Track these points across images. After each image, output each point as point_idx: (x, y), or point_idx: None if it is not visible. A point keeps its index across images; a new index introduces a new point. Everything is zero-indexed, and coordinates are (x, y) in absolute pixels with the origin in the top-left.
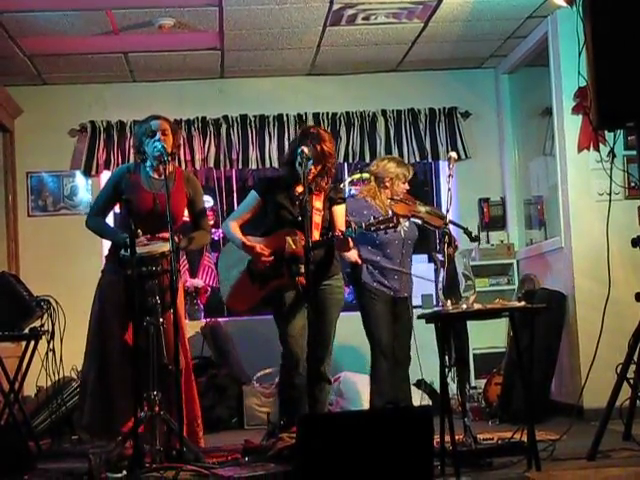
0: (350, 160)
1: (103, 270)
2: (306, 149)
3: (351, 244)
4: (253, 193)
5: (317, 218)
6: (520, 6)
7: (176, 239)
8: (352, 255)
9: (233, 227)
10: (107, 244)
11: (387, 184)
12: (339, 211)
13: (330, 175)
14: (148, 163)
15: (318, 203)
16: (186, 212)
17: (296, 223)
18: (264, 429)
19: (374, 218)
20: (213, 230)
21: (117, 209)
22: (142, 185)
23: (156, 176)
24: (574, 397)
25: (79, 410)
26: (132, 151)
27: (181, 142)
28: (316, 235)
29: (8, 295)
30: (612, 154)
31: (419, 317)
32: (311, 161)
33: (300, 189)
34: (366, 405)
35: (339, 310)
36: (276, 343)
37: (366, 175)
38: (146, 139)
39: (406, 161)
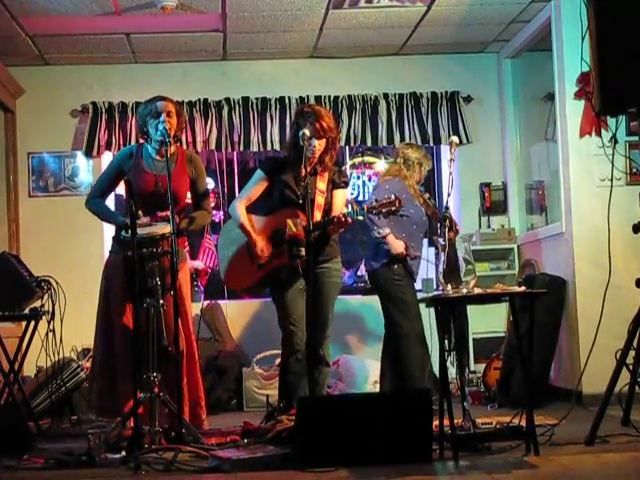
0: (352, 143)
1: (110, 250)
2: (307, 131)
3: (349, 220)
4: (259, 172)
5: (320, 199)
6: None
7: (177, 219)
8: (398, 246)
9: (240, 210)
10: (108, 225)
11: (416, 168)
12: (339, 195)
13: (335, 149)
14: (151, 144)
15: (322, 185)
16: (189, 194)
17: (299, 203)
18: (263, 411)
19: (376, 201)
20: (214, 212)
21: (119, 191)
22: (144, 167)
23: (158, 158)
24: (573, 382)
25: (89, 389)
26: (134, 132)
27: (185, 125)
28: (318, 216)
29: (9, 275)
30: (614, 140)
31: (419, 301)
32: (313, 139)
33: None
34: (363, 388)
35: (337, 293)
36: (276, 325)
37: (388, 160)
38: (150, 119)
39: None
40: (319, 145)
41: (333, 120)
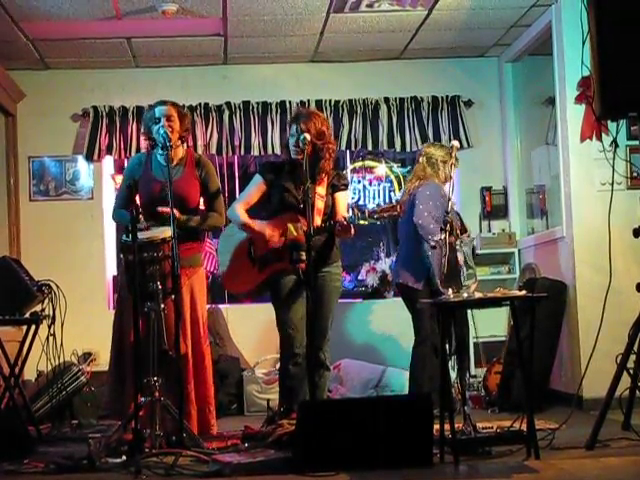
0: (352, 148)
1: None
2: (308, 136)
3: (352, 231)
4: (257, 176)
5: (319, 204)
6: None
7: (177, 213)
8: None
9: (239, 211)
10: (109, 229)
11: (440, 166)
12: (341, 197)
13: (330, 154)
14: (158, 150)
15: (321, 189)
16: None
17: (299, 208)
18: (264, 415)
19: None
20: None
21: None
22: (152, 174)
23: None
24: (574, 386)
25: (106, 391)
26: (135, 136)
27: (190, 126)
28: (318, 221)
29: (9, 279)
30: (615, 144)
31: (420, 305)
32: (302, 135)
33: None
34: (364, 392)
35: (337, 297)
36: (276, 329)
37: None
38: (152, 125)
39: (408, 149)
40: (296, 142)
41: (326, 125)
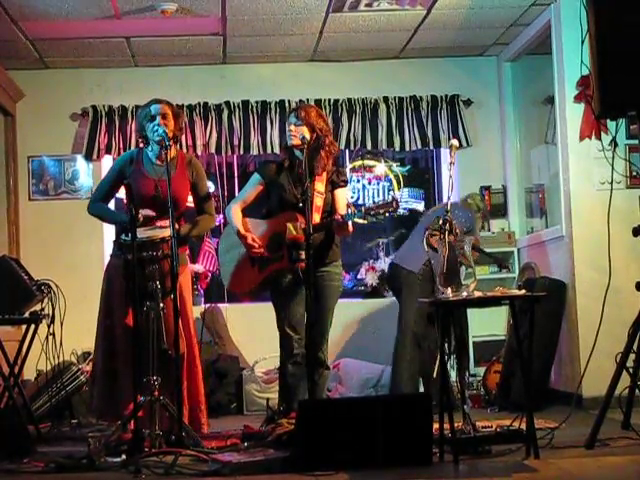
0: (351, 147)
1: (111, 254)
2: (307, 135)
3: (350, 228)
4: (256, 175)
5: (318, 201)
6: None
7: (176, 226)
8: None
9: (234, 211)
10: (108, 229)
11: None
12: (340, 194)
13: (329, 149)
14: (151, 148)
15: (320, 186)
16: (190, 198)
17: (297, 206)
18: (263, 415)
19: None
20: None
21: (119, 195)
22: (144, 171)
23: (158, 162)
24: (573, 385)
25: (89, 392)
26: (134, 136)
27: (184, 126)
28: (317, 218)
29: (9, 279)
30: (614, 143)
31: (419, 304)
32: (292, 125)
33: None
34: (364, 391)
35: (337, 297)
36: (276, 329)
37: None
38: (147, 123)
39: (407, 148)
40: (294, 129)
41: (323, 120)
